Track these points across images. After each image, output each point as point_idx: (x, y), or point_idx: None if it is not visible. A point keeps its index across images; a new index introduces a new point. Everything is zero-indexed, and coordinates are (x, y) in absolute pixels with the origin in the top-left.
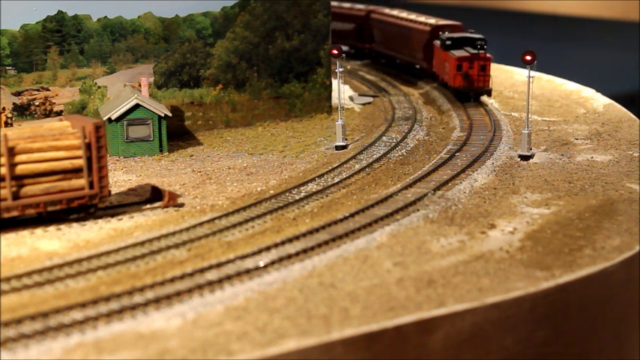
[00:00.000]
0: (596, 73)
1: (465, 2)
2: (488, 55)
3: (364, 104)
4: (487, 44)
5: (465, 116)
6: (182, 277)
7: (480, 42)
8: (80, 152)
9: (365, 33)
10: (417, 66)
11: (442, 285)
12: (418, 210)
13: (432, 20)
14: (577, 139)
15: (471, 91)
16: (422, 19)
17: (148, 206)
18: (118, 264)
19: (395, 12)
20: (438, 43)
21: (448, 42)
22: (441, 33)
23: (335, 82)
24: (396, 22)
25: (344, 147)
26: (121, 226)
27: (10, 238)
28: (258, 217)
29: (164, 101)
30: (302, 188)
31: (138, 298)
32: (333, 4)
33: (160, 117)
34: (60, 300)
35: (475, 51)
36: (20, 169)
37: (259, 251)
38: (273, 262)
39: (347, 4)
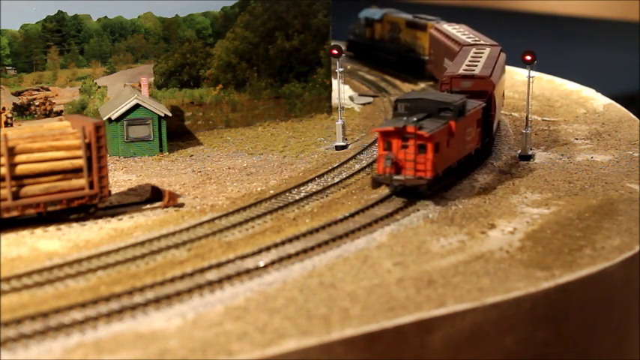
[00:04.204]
0: (596, 73)
1: (465, 2)
2: (429, 131)
3: (364, 104)
4: (462, 111)
5: None
6: (182, 277)
7: (447, 107)
8: (80, 152)
9: None
10: None
11: (442, 285)
12: (418, 210)
13: (460, 69)
14: (577, 139)
15: (391, 183)
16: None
17: (148, 206)
18: (118, 264)
19: (471, 52)
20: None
21: (402, 105)
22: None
23: (335, 82)
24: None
25: (344, 147)
26: (121, 226)
27: (10, 238)
28: (258, 217)
29: (164, 101)
30: (302, 188)
31: (138, 298)
32: (449, 29)
33: (159, 117)
34: (60, 300)
35: (401, 124)
36: (20, 169)
37: (259, 251)
38: (273, 262)
39: (452, 30)
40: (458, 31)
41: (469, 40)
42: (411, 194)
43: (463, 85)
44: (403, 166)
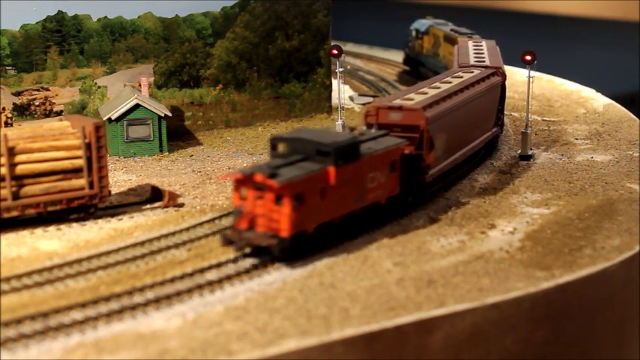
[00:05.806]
0: (596, 73)
1: (465, 2)
2: (282, 181)
3: (364, 104)
4: (349, 154)
5: None
6: (182, 277)
7: (326, 150)
8: (80, 152)
9: None
10: None
11: (442, 285)
12: (418, 210)
13: (397, 98)
14: (577, 139)
15: (237, 241)
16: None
17: (148, 206)
18: (118, 264)
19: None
20: None
21: (281, 145)
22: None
23: (335, 82)
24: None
25: None
26: (121, 226)
27: (10, 238)
28: None
29: (164, 101)
30: None
31: (138, 298)
32: (470, 45)
33: (159, 117)
34: (60, 300)
35: (249, 171)
36: (20, 169)
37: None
38: (272, 263)
39: (470, 47)
40: (475, 48)
41: (473, 61)
42: (266, 254)
43: (391, 118)
44: (256, 222)
